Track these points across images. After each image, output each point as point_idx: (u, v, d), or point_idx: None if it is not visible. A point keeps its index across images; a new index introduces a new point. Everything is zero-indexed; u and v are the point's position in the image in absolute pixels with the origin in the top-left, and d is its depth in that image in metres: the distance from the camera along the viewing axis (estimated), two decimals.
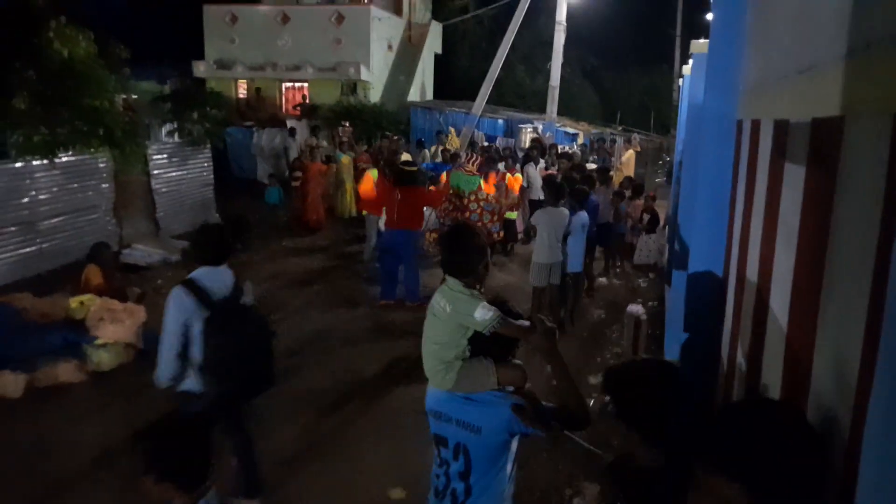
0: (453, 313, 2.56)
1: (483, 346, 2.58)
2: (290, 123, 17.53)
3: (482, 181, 9.09)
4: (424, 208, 8.80)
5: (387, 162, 10.72)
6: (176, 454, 2.28)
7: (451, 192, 8.25)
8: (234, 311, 3.85)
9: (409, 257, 8.28)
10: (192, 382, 3.84)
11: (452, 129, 17.81)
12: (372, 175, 9.73)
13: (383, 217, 9.09)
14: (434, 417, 2.68)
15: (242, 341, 3.78)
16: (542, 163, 12.36)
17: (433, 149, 14.72)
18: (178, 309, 3.75)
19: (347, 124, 16.92)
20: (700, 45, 5.59)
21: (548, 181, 8.10)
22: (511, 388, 2.58)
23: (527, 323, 2.59)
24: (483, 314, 2.50)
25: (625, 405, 2.03)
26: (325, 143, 15.94)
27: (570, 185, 7.57)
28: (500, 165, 11.85)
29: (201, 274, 3.85)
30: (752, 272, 2.28)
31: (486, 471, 2.53)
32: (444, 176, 10.59)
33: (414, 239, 8.41)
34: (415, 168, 8.67)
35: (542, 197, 10.95)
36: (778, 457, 1.25)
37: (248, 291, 4.01)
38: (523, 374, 2.63)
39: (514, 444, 2.57)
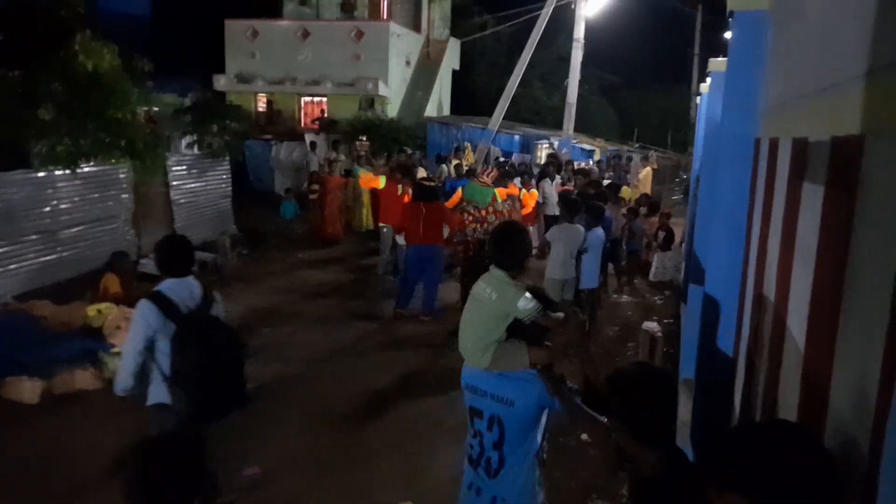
0: (499, 301, 2.82)
1: (518, 329, 2.82)
2: (309, 137, 17.67)
3: (496, 192, 9.16)
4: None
5: (398, 167, 10.80)
6: (159, 479, 2.12)
7: (465, 203, 8.25)
8: (203, 323, 3.76)
9: (433, 272, 8.38)
10: (163, 394, 3.71)
11: (468, 145, 17.86)
12: (381, 180, 9.87)
13: (389, 229, 9.25)
14: (470, 391, 2.92)
15: (211, 355, 3.66)
16: (557, 178, 12.36)
17: (451, 163, 14.75)
18: (143, 322, 3.65)
19: (365, 138, 17.03)
20: (718, 63, 5.58)
21: (563, 197, 8.11)
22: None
23: (561, 315, 2.82)
24: (525, 304, 2.77)
25: (624, 409, 2.04)
26: (343, 157, 16.03)
27: (585, 202, 7.56)
28: (517, 180, 11.85)
29: (168, 286, 3.78)
30: (770, 291, 2.26)
31: (518, 442, 2.76)
32: (458, 192, 10.62)
33: (439, 254, 8.47)
34: (434, 183, 8.71)
35: (557, 213, 10.97)
36: (791, 476, 1.30)
37: (217, 302, 3.99)
38: (553, 354, 2.81)
39: (544, 419, 2.80)
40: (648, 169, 16.69)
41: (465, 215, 8.02)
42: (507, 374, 2.79)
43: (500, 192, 9.00)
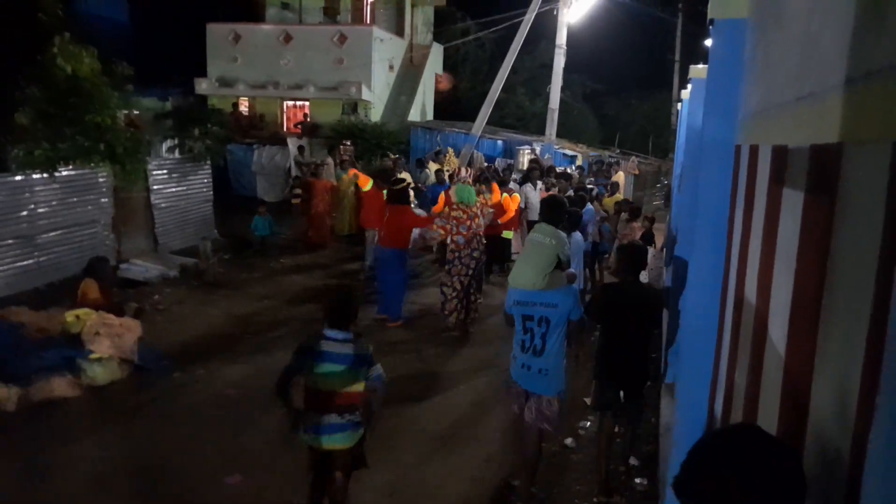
0: (556, 244, 4.45)
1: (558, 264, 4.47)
2: (294, 142, 17.58)
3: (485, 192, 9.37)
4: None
5: (379, 174, 10.83)
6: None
7: (455, 206, 8.26)
8: None
9: (394, 275, 8.38)
10: None
11: (451, 150, 17.87)
12: (367, 181, 9.89)
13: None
14: (522, 305, 4.42)
15: None
16: (540, 184, 12.40)
17: (431, 168, 14.74)
18: None
19: (349, 143, 16.98)
20: (699, 70, 5.63)
21: (547, 201, 8.11)
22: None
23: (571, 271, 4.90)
24: (566, 249, 4.58)
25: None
26: (329, 161, 15.99)
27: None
28: (514, 185, 11.87)
29: None
30: (751, 297, 2.28)
31: (556, 333, 4.37)
32: (441, 196, 10.61)
33: (399, 258, 8.46)
34: (403, 185, 8.76)
35: (539, 217, 11.02)
36: (754, 483, 1.29)
37: None
38: (574, 277, 5.08)
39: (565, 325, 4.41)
40: (622, 174, 16.77)
41: (458, 212, 8.05)
42: (553, 290, 4.37)
43: (481, 199, 9.04)
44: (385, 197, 8.73)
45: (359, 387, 3.85)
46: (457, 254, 8.10)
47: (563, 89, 19.89)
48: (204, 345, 7.43)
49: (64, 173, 9.06)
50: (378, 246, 8.60)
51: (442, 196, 10.74)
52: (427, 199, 12.29)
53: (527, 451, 4.58)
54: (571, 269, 4.76)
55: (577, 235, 7.61)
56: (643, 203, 18.81)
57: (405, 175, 12.85)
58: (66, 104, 8.76)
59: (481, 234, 8.32)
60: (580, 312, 4.42)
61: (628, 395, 4.79)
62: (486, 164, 16.91)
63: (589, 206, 10.07)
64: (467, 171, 9.74)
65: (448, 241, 8.32)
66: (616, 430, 4.99)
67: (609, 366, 4.77)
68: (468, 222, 8.05)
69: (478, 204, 8.40)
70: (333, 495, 3.95)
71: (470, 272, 8.14)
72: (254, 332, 7.93)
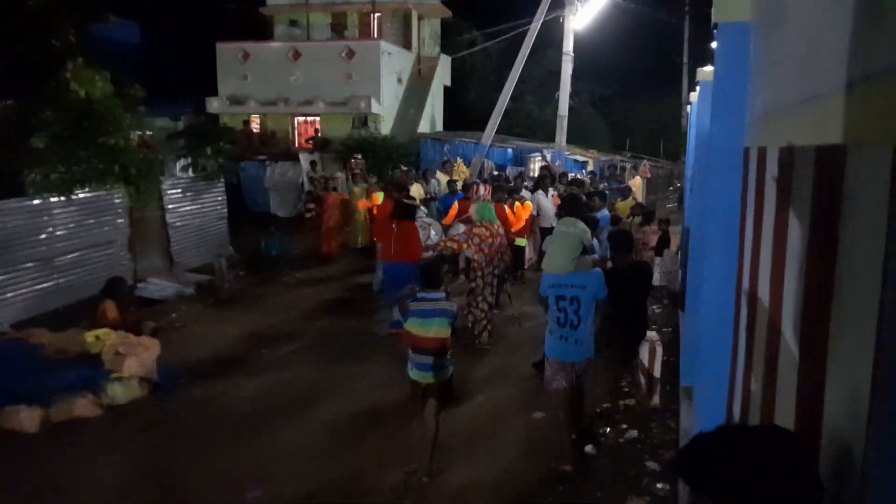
0: (578, 232, 5.24)
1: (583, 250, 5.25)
2: (306, 157, 17.69)
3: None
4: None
5: (394, 185, 10.84)
6: None
7: (478, 224, 8.17)
8: None
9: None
10: None
11: (459, 160, 17.91)
12: (378, 196, 9.89)
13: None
14: (555, 287, 5.12)
15: None
16: (552, 191, 12.38)
17: (440, 179, 14.73)
18: None
19: (360, 156, 17.08)
20: (707, 72, 5.63)
21: (565, 198, 8.03)
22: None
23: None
24: (589, 236, 5.47)
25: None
26: (338, 174, 16.07)
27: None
28: (526, 193, 11.85)
29: None
30: (764, 299, 2.28)
31: (587, 308, 5.05)
32: (454, 207, 10.61)
33: (412, 272, 8.41)
34: (412, 203, 8.74)
35: (553, 224, 10.98)
36: (767, 481, 1.29)
37: None
38: (599, 261, 6.04)
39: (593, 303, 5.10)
40: (638, 178, 16.72)
41: (482, 231, 7.98)
42: (581, 273, 5.09)
43: (509, 214, 9.06)
44: (391, 211, 8.69)
45: (447, 333, 4.99)
46: (479, 272, 8.05)
47: (571, 96, 19.90)
48: (221, 361, 7.48)
49: (80, 196, 9.19)
50: (388, 263, 8.43)
51: (454, 206, 10.75)
52: (438, 210, 12.31)
53: (575, 402, 5.26)
54: (595, 255, 5.57)
55: (594, 243, 7.56)
56: (656, 206, 18.74)
57: (416, 188, 12.89)
58: (81, 127, 8.90)
59: (505, 249, 8.30)
60: (605, 292, 5.13)
61: (631, 344, 6.01)
62: (495, 173, 16.92)
63: (605, 211, 10.00)
64: (485, 188, 9.73)
65: (466, 258, 8.26)
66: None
67: (621, 323, 5.81)
68: (490, 240, 8.00)
69: (498, 224, 8.36)
70: (428, 420, 5.07)
71: (494, 290, 8.14)
72: (270, 347, 7.97)
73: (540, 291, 5.34)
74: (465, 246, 8.11)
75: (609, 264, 6.10)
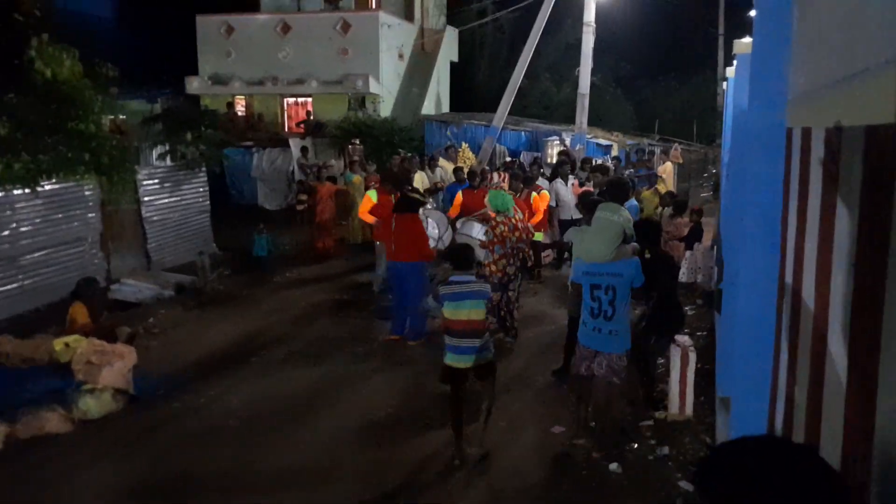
0: (622, 221, 5.46)
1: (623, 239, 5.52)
2: (296, 142, 17.73)
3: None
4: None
5: (388, 177, 10.80)
6: None
7: (495, 217, 8.12)
8: None
9: (413, 291, 8.27)
10: None
11: (465, 145, 17.89)
12: (371, 196, 9.79)
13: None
14: (590, 276, 5.39)
15: None
16: (573, 178, 12.34)
17: (443, 165, 14.70)
18: None
19: (358, 141, 17.09)
20: (744, 44, 5.61)
21: (612, 181, 7.99)
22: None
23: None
24: (632, 226, 5.65)
25: None
26: (332, 163, 16.10)
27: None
28: (543, 182, 11.82)
29: None
30: (808, 298, 2.27)
31: (622, 298, 5.32)
32: (458, 197, 10.59)
33: (417, 271, 8.40)
34: (418, 196, 8.74)
35: (574, 216, 10.96)
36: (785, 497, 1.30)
37: None
38: (638, 249, 5.89)
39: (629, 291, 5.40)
40: (669, 164, 16.63)
41: (503, 228, 7.93)
42: (618, 261, 5.35)
43: (520, 205, 9.04)
44: (394, 205, 8.66)
45: (482, 315, 5.43)
46: (487, 269, 7.99)
47: (593, 72, 19.81)
48: (204, 370, 7.50)
49: (47, 187, 9.23)
50: (390, 261, 8.47)
51: (459, 196, 10.72)
52: (444, 201, 12.30)
53: (598, 401, 5.63)
54: (636, 244, 5.87)
55: None
56: (688, 195, 18.68)
57: (420, 177, 12.88)
58: (47, 111, 8.94)
59: (524, 246, 8.26)
60: (642, 280, 5.41)
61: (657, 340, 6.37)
62: (508, 159, 16.91)
63: (632, 200, 9.95)
64: (500, 175, 9.64)
65: (493, 266, 8.14)
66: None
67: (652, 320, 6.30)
68: (510, 234, 7.95)
69: (517, 215, 8.29)
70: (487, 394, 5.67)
71: (508, 291, 8.09)
72: (258, 354, 8.00)
73: (572, 277, 5.77)
74: (501, 263, 8.02)
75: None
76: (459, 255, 5.71)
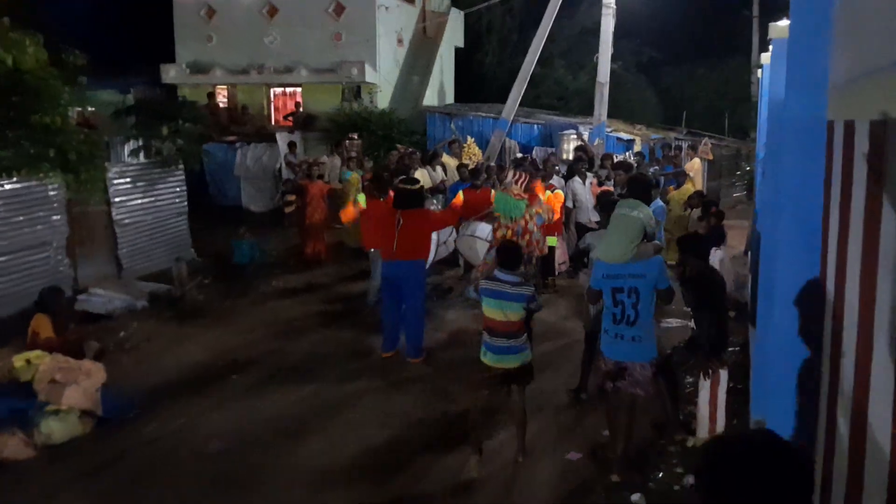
0: (643, 216, 5.49)
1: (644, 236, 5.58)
2: (284, 137, 17.73)
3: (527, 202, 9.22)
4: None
5: (376, 178, 10.79)
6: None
7: (496, 215, 8.13)
8: None
9: (414, 295, 8.29)
10: None
11: (470, 139, 17.89)
12: (360, 201, 9.59)
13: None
14: (611, 278, 5.49)
15: None
16: (591, 177, 12.33)
17: (447, 162, 14.68)
18: None
19: (356, 136, 17.07)
20: (781, 28, 5.60)
21: (603, 199, 8.04)
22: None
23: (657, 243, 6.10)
24: (653, 222, 5.66)
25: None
26: (325, 159, 16.09)
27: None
28: (557, 180, 11.81)
29: None
30: (852, 308, 2.26)
31: (646, 301, 5.45)
32: (458, 197, 10.62)
33: (419, 271, 8.42)
34: (417, 187, 8.64)
35: (592, 218, 10.95)
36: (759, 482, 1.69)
37: None
38: (661, 247, 6.08)
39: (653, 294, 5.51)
40: (697, 161, 16.60)
41: (501, 228, 7.98)
42: (640, 261, 5.43)
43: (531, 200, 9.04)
44: (392, 201, 8.60)
45: (519, 316, 5.77)
46: None
47: (613, 59, 19.80)
48: (181, 389, 7.50)
49: (7, 187, 9.24)
50: (389, 261, 8.36)
51: (459, 196, 10.74)
52: (447, 201, 12.28)
53: (619, 419, 5.73)
54: (658, 242, 6.03)
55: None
56: (719, 195, 18.66)
57: (421, 174, 12.86)
58: (8, 103, 8.95)
59: (535, 250, 8.25)
60: (667, 282, 5.55)
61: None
62: (519, 155, 16.90)
63: (658, 201, 9.94)
64: (516, 174, 9.51)
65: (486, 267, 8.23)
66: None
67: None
68: (516, 240, 7.96)
69: (526, 216, 8.30)
70: (514, 407, 6.09)
71: None
72: (241, 372, 7.99)
73: (591, 282, 5.82)
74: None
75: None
76: (507, 253, 6.08)
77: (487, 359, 5.86)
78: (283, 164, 16.86)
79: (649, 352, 5.56)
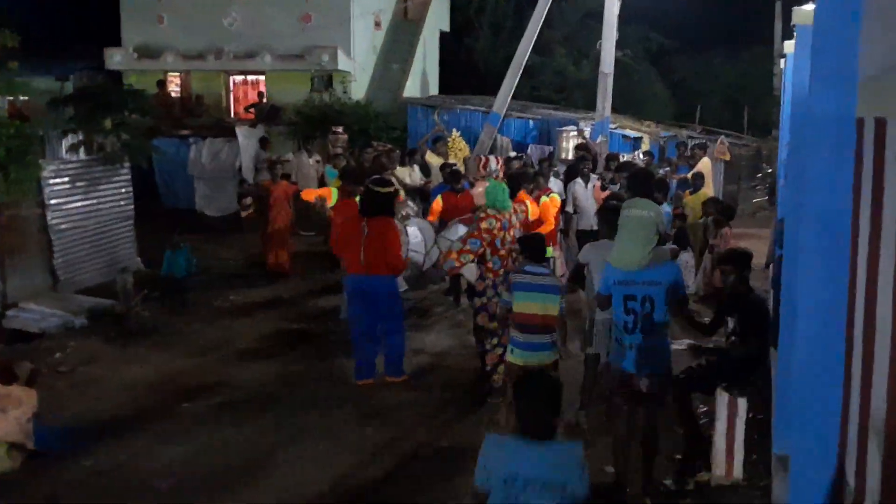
0: (655, 215, 5.63)
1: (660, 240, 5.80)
2: (252, 132, 17.69)
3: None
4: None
5: (347, 174, 10.80)
6: None
7: (485, 209, 8.12)
8: None
9: (390, 312, 8.27)
10: None
11: (457, 133, 17.91)
12: (331, 191, 9.64)
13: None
14: (623, 285, 5.60)
15: None
16: (594, 178, 12.37)
17: (429, 160, 14.69)
18: None
19: (341, 129, 17.01)
20: (806, 13, 5.66)
21: (635, 174, 7.95)
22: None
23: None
24: (665, 221, 6.19)
25: None
26: (288, 156, 16.04)
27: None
28: (554, 183, 11.81)
29: None
30: (885, 325, 2.28)
31: (661, 311, 5.56)
32: (437, 201, 10.64)
33: (392, 288, 8.40)
34: (389, 190, 8.63)
35: (595, 226, 10.98)
36: None
37: None
38: (677, 252, 8.59)
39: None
40: (706, 160, 16.63)
41: (492, 222, 7.94)
42: (655, 267, 5.54)
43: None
44: (359, 206, 8.59)
45: (556, 310, 6.31)
46: (490, 281, 7.99)
47: (618, 46, 19.95)
48: (125, 419, 7.45)
49: None
50: (357, 275, 8.28)
51: (437, 201, 10.75)
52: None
53: (627, 444, 5.86)
54: (673, 245, 6.51)
55: None
56: (736, 200, 18.75)
57: (402, 174, 12.86)
58: None
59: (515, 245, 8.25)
60: (684, 289, 5.83)
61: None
62: (513, 154, 16.95)
63: (666, 206, 10.00)
64: (497, 160, 9.54)
65: (473, 265, 8.21)
66: None
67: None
68: (501, 234, 7.96)
69: (514, 211, 8.33)
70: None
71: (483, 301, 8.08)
72: (194, 399, 7.95)
73: (600, 288, 6.00)
74: (478, 252, 8.03)
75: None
76: (532, 244, 6.65)
77: (516, 357, 6.32)
78: (247, 162, 16.75)
79: (663, 364, 5.74)
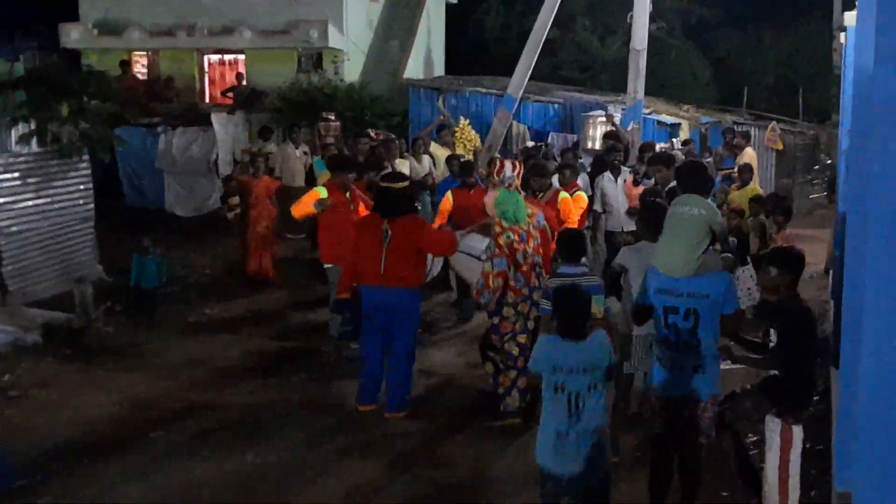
0: (707, 215, 5.77)
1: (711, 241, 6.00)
2: (231, 119, 17.70)
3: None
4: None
5: (334, 161, 10.78)
6: None
7: (498, 218, 8.10)
8: None
9: (405, 333, 8.20)
10: None
11: (466, 121, 17.90)
12: (321, 193, 9.58)
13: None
14: (665, 294, 5.67)
15: None
16: (625, 171, 12.34)
17: (434, 151, 14.71)
18: None
19: (333, 116, 17.02)
20: None
21: (687, 166, 7.91)
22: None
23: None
24: (722, 220, 6.24)
25: None
26: (273, 147, 16.07)
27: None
28: (580, 180, 11.80)
29: None
30: None
31: (708, 324, 5.61)
32: (446, 199, 10.56)
33: (413, 302, 8.33)
34: (405, 184, 8.52)
35: (625, 228, 10.99)
36: None
37: None
38: (733, 261, 7.20)
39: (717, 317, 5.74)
40: (749, 150, 16.61)
41: (510, 236, 7.91)
42: (702, 276, 5.60)
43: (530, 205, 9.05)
44: (374, 202, 8.54)
45: (598, 312, 6.46)
46: (509, 298, 7.95)
47: (652, 19, 19.93)
48: (87, 451, 7.45)
49: None
50: (373, 287, 8.11)
51: (447, 198, 10.67)
52: (434, 204, 12.27)
53: (666, 475, 5.94)
54: (728, 254, 6.62)
55: None
56: (791, 196, 18.72)
57: (403, 166, 12.86)
58: None
59: (539, 259, 8.24)
60: (737, 303, 5.81)
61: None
62: (530, 143, 16.94)
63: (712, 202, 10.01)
64: (514, 164, 9.50)
65: (490, 280, 8.11)
66: None
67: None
68: (522, 246, 7.94)
69: (530, 221, 8.31)
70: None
71: (530, 324, 8.00)
72: (164, 427, 7.95)
73: (637, 297, 6.11)
74: (497, 282, 7.96)
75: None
76: (569, 242, 6.92)
77: None
78: (223, 154, 16.77)
79: (712, 386, 5.77)
